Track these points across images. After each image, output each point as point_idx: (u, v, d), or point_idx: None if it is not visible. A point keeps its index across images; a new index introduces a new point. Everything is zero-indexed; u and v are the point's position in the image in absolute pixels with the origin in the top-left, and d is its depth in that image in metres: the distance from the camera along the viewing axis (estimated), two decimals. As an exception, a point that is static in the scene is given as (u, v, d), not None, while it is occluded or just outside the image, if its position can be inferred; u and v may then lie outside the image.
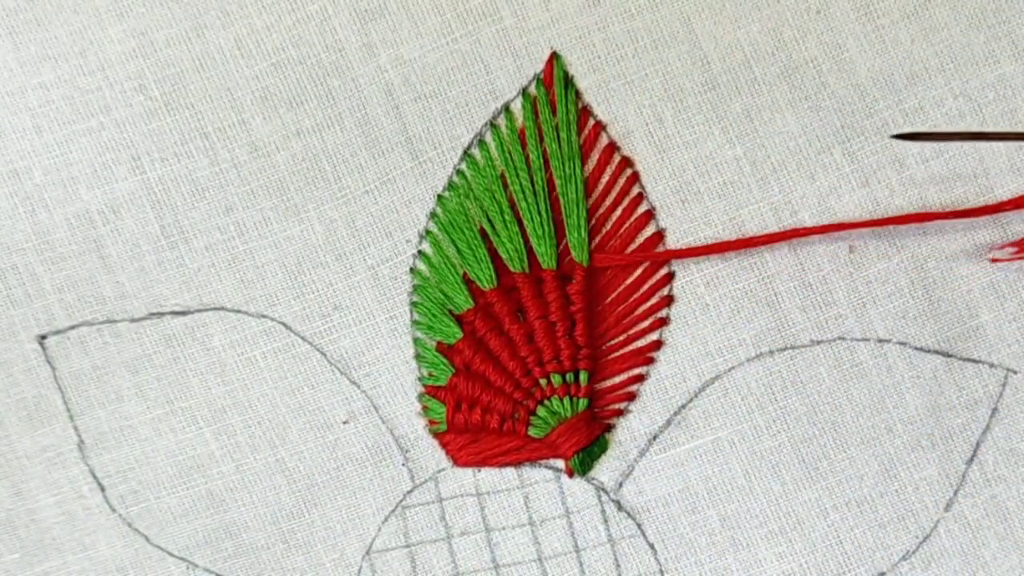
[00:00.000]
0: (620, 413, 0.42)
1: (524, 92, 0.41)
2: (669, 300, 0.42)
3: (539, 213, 0.41)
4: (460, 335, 0.42)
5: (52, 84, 0.41)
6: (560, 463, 0.42)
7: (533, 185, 0.41)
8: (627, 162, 0.41)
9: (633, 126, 0.41)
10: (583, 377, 0.42)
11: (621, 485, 0.42)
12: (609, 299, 0.42)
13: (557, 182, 0.41)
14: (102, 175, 0.42)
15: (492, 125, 0.41)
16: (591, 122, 0.41)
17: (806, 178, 0.41)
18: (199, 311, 0.42)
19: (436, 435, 0.42)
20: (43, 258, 0.42)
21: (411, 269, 0.42)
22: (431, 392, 0.42)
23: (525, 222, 0.41)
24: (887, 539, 0.42)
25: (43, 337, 0.42)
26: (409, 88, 0.41)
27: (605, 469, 0.42)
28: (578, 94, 0.41)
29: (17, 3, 0.41)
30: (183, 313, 0.42)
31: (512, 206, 0.41)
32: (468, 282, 0.42)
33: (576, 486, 0.42)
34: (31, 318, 0.42)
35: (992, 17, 0.41)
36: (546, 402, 0.42)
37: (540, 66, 0.41)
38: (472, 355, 0.42)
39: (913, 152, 0.41)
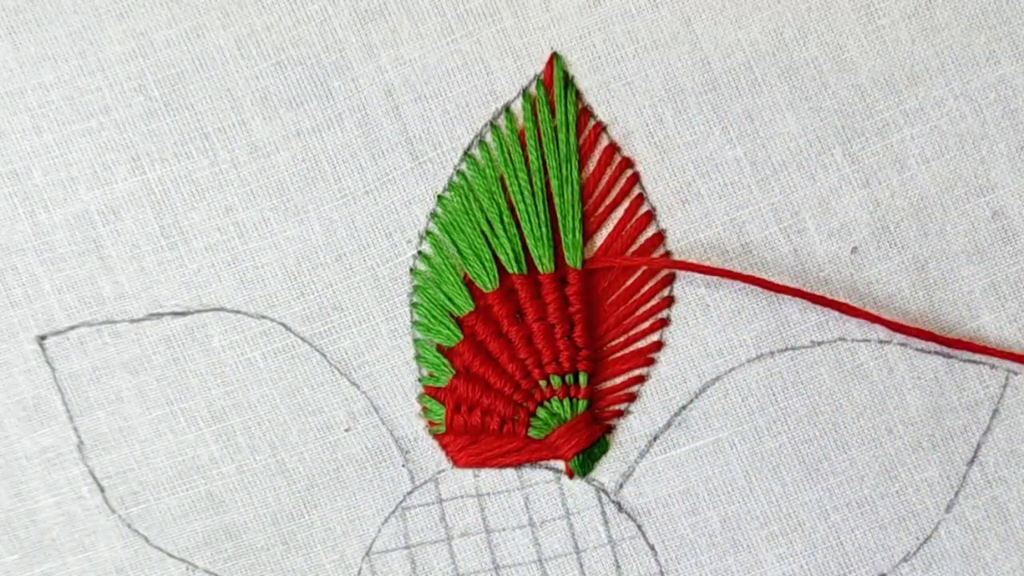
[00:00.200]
0: (620, 414, 0.42)
1: (525, 93, 0.41)
2: (670, 301, 0.42)
3: (537, 215, 0.41)
4: (460, 338, 0.42)
5: (52, 84, 0.41)
6: (560, 464, 0.42)
7: (532, 187, 0.41)
8: (627, 163, 0.41)
9: (633, 127, 0.41)
10: (583, 379, 0.42)
11: (621, 486, 0.42)
12: (610, 300, 0.42)
13: (553, 183, 0.41)
14: (102, 175, 0.42)
15: (492, 126, 0.41)
16: (591, 123, 0.41)
17: (807, 179, 0.41)
18: (199, 312, 0.42)
19: (436, 436, 0.42)
20: (43, 259, 0.42)
21: (411, 270, 0.42)
22: (431, 393, 0.42)
23: (523, 224, 0.41)
24: (888, 540, 0.42)
25: (43, 338, 0.42)
26: (409, 88, 0.41)
27: (605, 470, 0.42)
28: (579, 95, 0.41)
29: (17, 3, 0.41)
30: (183, 314, 0.42)
31: (511, 208, 0.41)
32: (468, 283, 0.42)
33: (576, 487, 0.42)
34: (31, 319, 0.42)
35: (993, 17, 0.41)
36: (546, 404, 0.42)
37: (540, 67, 0.41)
38: (472, 358, 0.42)
39: (914, 153, 0.41)
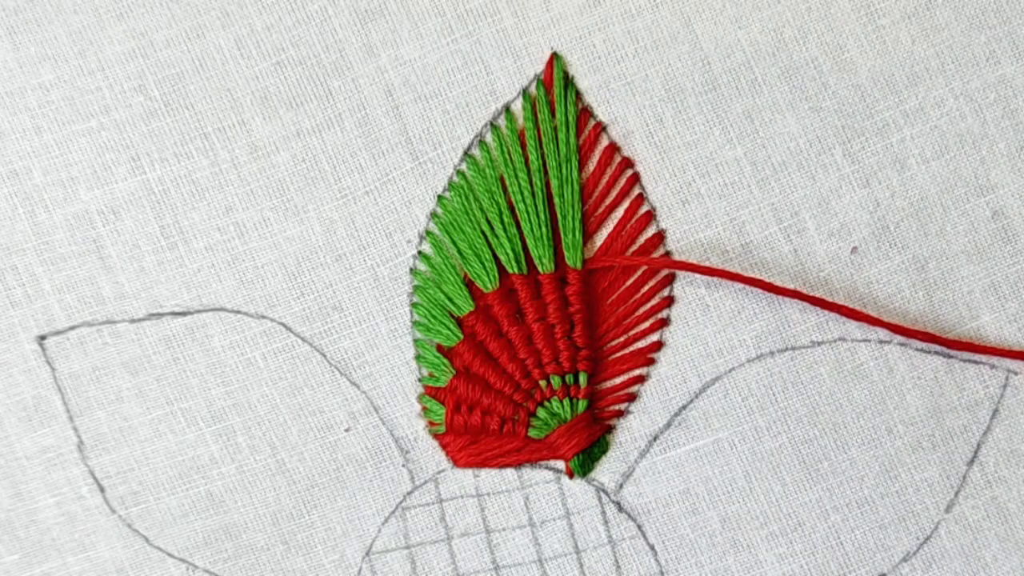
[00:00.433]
0: (621, 414, 0.42)
1: (525, 93, 0.41)
2: (670, 301, 0.42)
3: (537, 215, 0.41)
4: (460, 338, 0.42)
5: (52, 84, 0.41)
6: (560, 464, 0.42)
7: (532, 187, 0.41)
8: (627, 163, 0.41)
9: (633, 127, 0.41)
10: (583, 379, 0.42)
11: (621, 486, 0.42)
12: (610, 300, 0.42)
13: (553, 183, 0.41)
14: (102, 175, 0.42)
15: (492, 126, 0.41)
16: (592, 123, 0.41)
17: (807, 179, 0.41)
18: (199, 312, 0.42)
19: (436, 436, 0.42)
20: (43, 259, 0.42)
21: (411, 270, 0.42)
22: (431, 393, 0.42)
23: (523, 224, 0.41)
24: (888, 540, 0.42)
25: (42, 338, 0.42)
26: (409, 88, 0.41)
27: (605, 470, 0.42)
28: (579, 95, 0.41)
29: (17, 3, 0.41)
30: (183, 314, 0.42)
31: (511, 208, 0.41)
32: (469, 283, 0.42)
33: (576, 487, 0.42)
34: (31, 319, 0.42)
35: (993, 17, 0.41)
36: (546, 404, 0.42)
37: (540, 67, 0.41)
38: (472, 358, 0.42)
39: (914, 152, 0.41)
